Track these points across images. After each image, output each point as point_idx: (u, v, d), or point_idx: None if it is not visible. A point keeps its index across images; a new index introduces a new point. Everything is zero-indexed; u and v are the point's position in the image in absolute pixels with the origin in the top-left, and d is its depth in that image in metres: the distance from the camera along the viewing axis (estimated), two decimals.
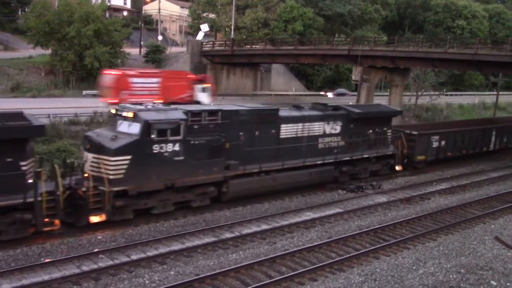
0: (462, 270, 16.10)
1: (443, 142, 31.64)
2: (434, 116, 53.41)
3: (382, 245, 17.78)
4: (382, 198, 24.39)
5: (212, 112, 20.46)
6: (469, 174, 31.01)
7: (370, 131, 27.13)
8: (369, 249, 17.32)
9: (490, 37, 74.36)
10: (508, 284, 15.38)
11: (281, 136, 23.04)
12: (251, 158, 21.67)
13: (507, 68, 39.30)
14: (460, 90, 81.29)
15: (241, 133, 21.44)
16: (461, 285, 15.11)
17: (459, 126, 35.54)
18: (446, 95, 66.05)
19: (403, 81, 47.73)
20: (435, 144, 31.20)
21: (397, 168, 29.24)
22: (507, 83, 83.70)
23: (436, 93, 56.81)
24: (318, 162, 24.53)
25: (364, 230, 19.27)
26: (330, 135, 25.18)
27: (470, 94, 76.99)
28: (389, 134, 28.43)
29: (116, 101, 31.70)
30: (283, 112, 23.61)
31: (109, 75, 36.35)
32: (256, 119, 22.01)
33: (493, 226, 20.91)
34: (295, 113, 24.35)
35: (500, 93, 62.61)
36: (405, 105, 52.44)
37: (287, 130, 23.29)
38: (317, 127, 24.61)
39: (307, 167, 24.06)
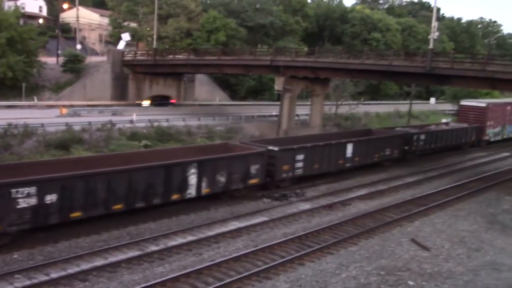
0: (382, 272, 16.80)
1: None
2: (353, 124, 55.38)
3: (306, 251, 18.18)
4: (306, 205, 24.92)
5: None
6: (387, 180, 32.31)
7: None
8: (294, 256, 17.65)
9: (403, 49, 78.33)
10: (424, 283, 16.23)
11: None
12: None
13: (418, 78, 41.55)
14: (377, 99, 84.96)
15: None
16: (381, 286, 15.77)
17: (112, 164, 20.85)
18: (365, 104, 68.77)
19: (323, 91, 49.14)
20: None
21: None
22: (419, 93, 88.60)
23: (355, 102, 58.90)
24: None
25: (289, 238, 19.60)
26: None
27: (386, 103, 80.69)
28: None
29: None
30: None
31: None
32: None
33: (409, 228, 21.99)
34: None
35: (413, 102, 66.16)
36: (326, 114, 54.08)
37: None
38: None
39: None
